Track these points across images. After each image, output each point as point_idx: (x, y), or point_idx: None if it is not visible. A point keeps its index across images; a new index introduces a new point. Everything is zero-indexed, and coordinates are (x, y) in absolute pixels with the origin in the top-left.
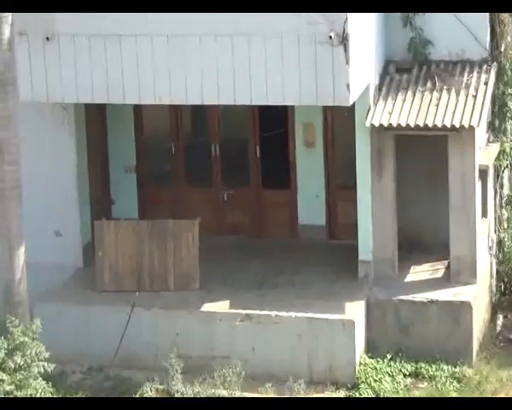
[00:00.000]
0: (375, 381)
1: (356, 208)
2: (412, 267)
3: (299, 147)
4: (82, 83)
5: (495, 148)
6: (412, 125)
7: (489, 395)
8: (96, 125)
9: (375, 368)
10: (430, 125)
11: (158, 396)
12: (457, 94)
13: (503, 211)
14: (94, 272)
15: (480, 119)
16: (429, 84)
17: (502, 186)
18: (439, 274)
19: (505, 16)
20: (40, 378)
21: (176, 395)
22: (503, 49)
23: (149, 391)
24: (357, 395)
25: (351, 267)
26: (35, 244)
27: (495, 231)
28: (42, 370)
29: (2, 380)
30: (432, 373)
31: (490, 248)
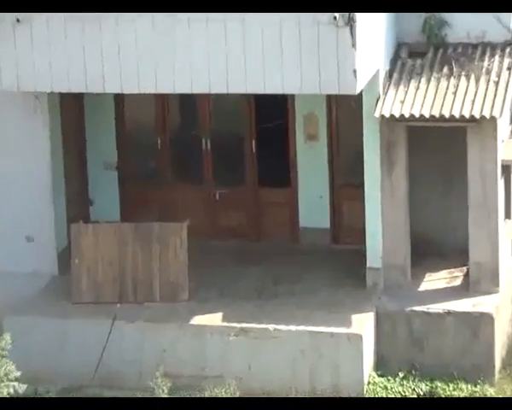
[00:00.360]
0: None
1: (363, 209)
2: (426, 275)
3: (300, 141)
4: (57, 70)
5: None
6: (427, 115)
7: None
8: (72, 116)
9: (386, 387)
10: (447, 115)
11: None
12: (477, 81)
13: None
14: (70, 280)
15: (502, 108)
16: (446, 70)
17: None
18: (457, 282)
19: None
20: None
21: None
22: None
23: None
24: None
25: (358, 275)
26: (4, 250)
27: None
28: (12, 391)
29: None
30: (449, 393)
31: None
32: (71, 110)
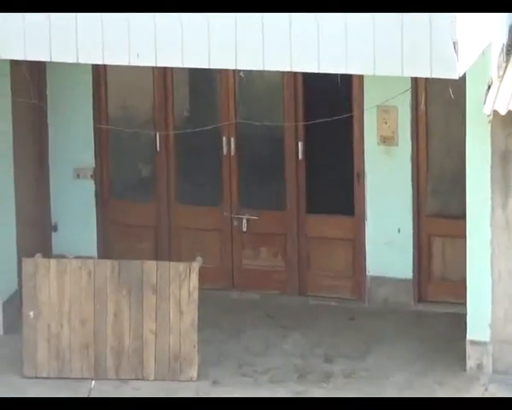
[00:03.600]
0: None
1: (465, 252)
2: None
3: (370, 146)
4: (7, 28)
5: None
6: None
7: None
8: (28, 98)
9: None
10: None
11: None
12: None
13: None
14: (22, 344)
15: None
16: None
17: None
18: None
19: None
20: None
21: None
22: None
23: None
24: None
25: (453, 351)
26: None
27: None
28: None
29: None
30: None
31: None
32: (27, 90)
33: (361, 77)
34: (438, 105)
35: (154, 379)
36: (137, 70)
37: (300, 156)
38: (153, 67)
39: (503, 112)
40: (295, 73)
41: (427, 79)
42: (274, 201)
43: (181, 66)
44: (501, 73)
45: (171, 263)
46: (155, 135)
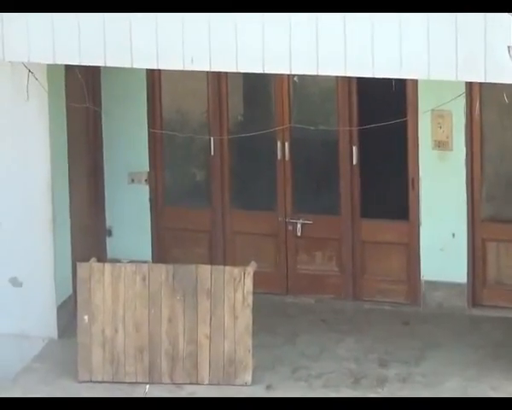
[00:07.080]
0: None
1: None
2: None
3: (424, 150)
4: (62, 33)
5: None
6: None
7: None
8: (83, 103)
9: None
10: None
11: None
12: None
13: None
14: (76, 348)
15: None
16: None
17: None
18: None
19: None
20: None
21: None
22: None
23: None
24: None
25: (508, 356)
26: None
27: None
28: None
29: None
30: None
31: None
32: (81, 96)
33: (415, 81)
34: (492, 110)
35: (209, 384)
36: (192, 74)
37: (355, 161)
38: (207, 72)
39: None
40: (349, 78)
41: (481, 83)
42: (328, 205)
43: (235, 70)
44: None
45: (226, 267)
46: (210, 139)
